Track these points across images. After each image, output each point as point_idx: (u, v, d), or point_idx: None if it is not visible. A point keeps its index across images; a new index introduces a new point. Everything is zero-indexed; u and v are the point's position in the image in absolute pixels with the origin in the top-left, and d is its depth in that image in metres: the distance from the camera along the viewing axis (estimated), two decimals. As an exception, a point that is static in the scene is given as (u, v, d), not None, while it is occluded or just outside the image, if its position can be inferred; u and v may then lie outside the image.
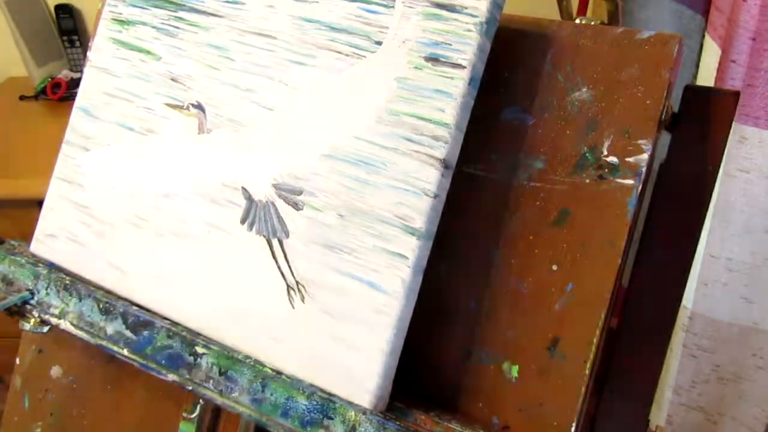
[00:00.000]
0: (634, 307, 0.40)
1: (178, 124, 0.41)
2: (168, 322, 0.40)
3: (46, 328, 0.44)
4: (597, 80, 0.37)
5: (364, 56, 0.37)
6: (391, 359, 0.35)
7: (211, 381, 0.37)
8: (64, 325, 0.42)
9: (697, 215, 0.38)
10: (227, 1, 0.41)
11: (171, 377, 0.38)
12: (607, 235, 0.36)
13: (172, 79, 0.42)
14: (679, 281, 0.39)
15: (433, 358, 0.39)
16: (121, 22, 0.44)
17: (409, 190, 0.35)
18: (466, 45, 0.35)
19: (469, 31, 0.35)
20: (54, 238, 0.45)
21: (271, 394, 0.36)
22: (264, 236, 0.38)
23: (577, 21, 0.38)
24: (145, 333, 0.40)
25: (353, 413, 0.34)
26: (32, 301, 0.43)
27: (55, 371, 0.50)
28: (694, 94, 0.38)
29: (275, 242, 0.38)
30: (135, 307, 0.41)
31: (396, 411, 0.36)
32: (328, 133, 0.37)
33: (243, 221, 0.39)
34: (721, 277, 0.76)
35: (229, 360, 0.37)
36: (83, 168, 0.44)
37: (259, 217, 0.38)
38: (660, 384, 0.84)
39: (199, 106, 0.41)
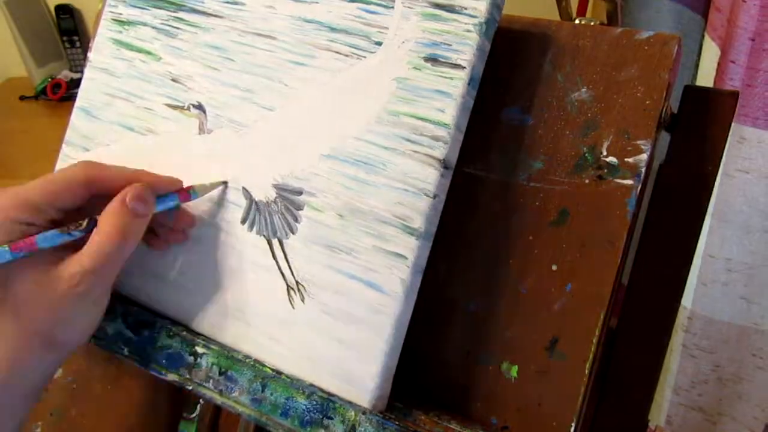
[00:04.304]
0: (634, 307, 0.40)
1: (179, 125, 0.42)
2: (168, 322, 0.40)
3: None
4: (596, 80, 0.37)
5: (364, 57, 0.37)
6: (391, 359, 0.35)
7: (211, 381, 0.38)
8: (64, 325, 0.42)
9: (697, 215, 0.38)
10: (227, 2, 0.41)
11: (171, 377, 0.39)
12: (606, 235, 0.36)
13: (173, 80, 0.42)
14: (678, 281, 0.39)
15: (433, 358, 0.39)
16: (122, 22, 0.44)
17: (409, 191, 0.35)
18: (466, 45, 0.35)
19: (469, 31, 0.35)
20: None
21: (271, 394, 0.36)
22: (264, 236, 0.38)
23: (577, 21, 0.39)
24: (145, 333, 0.40)
25: (353, 413, 0.35)
26: (32, 301, 0.43)
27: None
28: (693, 94, 0.38)
29: (275, 242, 0.38)
30: (135, 307, 0.41)
31: (395, 411, 0.36)
32: (328, 134, 0.37)
33: (243, 221, 0.39)
34: (720, 277, 0.76)
35: (229, 360, 0.38)
36: (83, 168, 0.44)
37: (259, 217, 0.38)
38: (660, 384, 0.84)
39: (199, 107, 0.41)
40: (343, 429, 0.34)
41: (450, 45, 0.35)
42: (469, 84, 0.35)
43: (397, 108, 0.36)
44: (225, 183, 0.39)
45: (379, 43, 0.37)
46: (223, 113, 0.40)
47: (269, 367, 0.37)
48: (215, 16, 0.41)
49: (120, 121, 0.43)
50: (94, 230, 0.35)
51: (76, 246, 0.35)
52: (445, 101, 0.35)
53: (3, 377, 0.35)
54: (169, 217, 0.39)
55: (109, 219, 0.35)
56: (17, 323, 0.34)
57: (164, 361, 0.39)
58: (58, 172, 0.36)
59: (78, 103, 0.45)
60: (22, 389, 0.36)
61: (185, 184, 0.39)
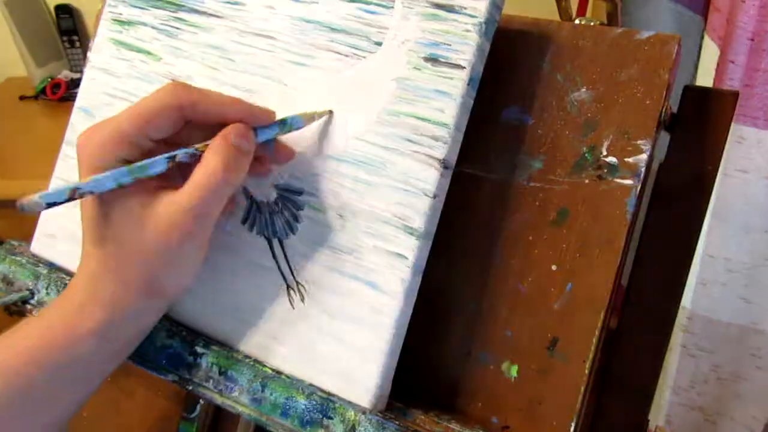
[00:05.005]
0: (634, 307, 0.40)
1: (178, 125, 0.41)
2: (168, 321, 0.40)
3: (46, 328, 0.44)
4: (596, 80, 0.37)
5: (364, 57, 0.37)
6: (391, 359, 0.35)
7: (211, 381, 0.38)
8: (64, 325, 0.42)
9: (697, 215, 0.38)
10: (227, 2, 0.41)
11: (171, 377, 0.39)
12: (606, 235, 0.36)
13: (173, 80, 0.42)
14: (678, 281, 0.39)
15: (433, 358, 0.39)
16: (122, 22, 0.44)
17: (409, 191, 0.35)
18: (466, 45, 0.35)
19: (468, 31, 0.35)
20: (54, 238, 0.45)
21: (271, 394, 0.36)
22: (264, 236, 0.38)
23: (576, 21, 0.39)
24: (145, 333, 0.40)
25: (353, 413, 0.35)
26: (32, 301, 0.43)
27: (55, 371, 0.50)
28: (693, 94, 0.38)
29: (276, 242, 0.38)
30: (135, 307, 0.41)
31: (395, 411, 0.36)
32: (328, 134, 0.37)
33: (243, 221, 0.39)
34: (720, 277, 0.76)
35: (229, 360, 0.38)
36: (83, 168, 0.44)
37: (259, 217, 0.38)
38: (659, 384, 0.84)
39: (199, 107, 0.41)
40: (342, 429, 0.34)
41: (450, 45, 0.35)
42: (468, 84, 0.35)
43: (397, 108, 0.36)
44: (330, 112, 0.37)
45: (379, 44, 0.37)
46: (223, 113, 0.40)
47: (269, 367, 0.37)
48: (215, 16, 0.41)
49: (120, 121, 0.43)
50: (197, 167, 0.33)
51: (176, 186, 0.34)
52: (444, 101, 0.35)
53: (101, 326, 0.34)
54: (269, 152, 0.37)
55: (212, 155, 0.33)
56: (119, 265, 0.34)
57: (164, 361, 0.39)
58: (147, 99, 0.33)
59: (78, 103, 0.45)
60: (117, 342, 0.35)
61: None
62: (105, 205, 0.33)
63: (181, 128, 0.34)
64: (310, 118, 0.37)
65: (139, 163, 0.32)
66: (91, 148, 0.33)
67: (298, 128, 0.36)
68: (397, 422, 0.34)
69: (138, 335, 0.37)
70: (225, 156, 0.33)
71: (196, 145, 0.33)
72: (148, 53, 0.43)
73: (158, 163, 0.32)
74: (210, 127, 0.34)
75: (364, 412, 0.35)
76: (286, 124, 0.36)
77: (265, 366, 0.37)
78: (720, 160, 0.38)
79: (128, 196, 0.33)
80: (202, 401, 0.45)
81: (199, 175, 0.33)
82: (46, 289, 0.43)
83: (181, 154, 0.33)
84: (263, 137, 0.35)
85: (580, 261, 0.36)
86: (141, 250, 0.33)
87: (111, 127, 0.33)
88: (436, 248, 0.36)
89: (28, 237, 0.47)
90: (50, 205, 0.30)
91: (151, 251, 0.33)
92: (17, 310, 0.44)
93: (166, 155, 0.33)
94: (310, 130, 0.37)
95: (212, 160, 0.33)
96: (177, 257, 0.34)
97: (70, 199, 0.31)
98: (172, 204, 0.33)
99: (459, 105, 0.35)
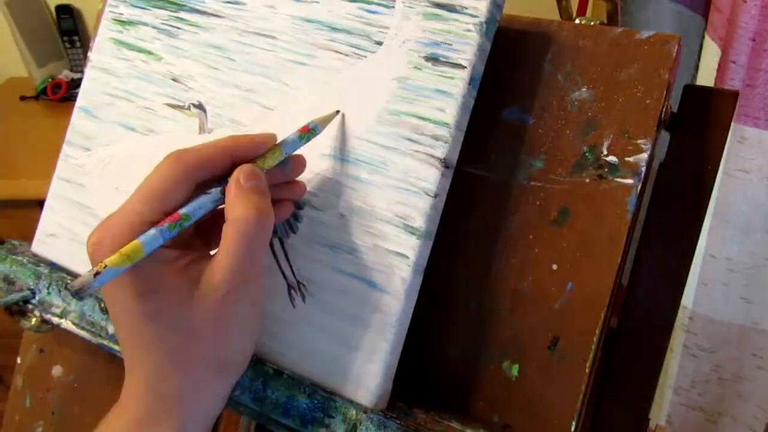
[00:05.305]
0: (634, 307, 0.40)
1: (179, 125, 0.42)
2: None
3: (47, 328, 0.44)
4: (597, 80, 0.37)
5: (365, 56, 0.37)
6: (392, 358, 0.35)
7: (212, 380, 0.38)
8: (66, 324, 0.42)
9: (697, 215, 0.38)
10: (228, 2, 0.41)
11: (172, 376, 0.38)
12: (606, 235, 0.36)
13: (173, 80, 0.42)
14: (679, 281, 0.39)
15: (434, 357, 0.39)
16: (122, 22, 0.44)
17: (410, 190, 0.35)
18: (466, 45, 0.35)
19: (469, 31, 0.35)
20: (55, 237, 0.45)
21: (272, 393, 0.36)
22: (265, 236, 0.38)
23: (577, 21, 0.39)
24: (146, 332, 0.40)
25: (354, 412, 0.35)
26: (33, 301, 0.43)
27: (57, 370, 0.50)
28: (693, 93, 0.38)
29: (276, 242, 0.38)
30: (136, 307, 0.41)
31: (396, 410, 0.36)
32: (329, 133, 0.37)
33: (244, 221, 0.39)
34: (721, 277, 0.76)
35: (230, 359, 0.38)
36: (84, 168, 0.44)
37: (259, 216, 0.38)
38: (660, 384, 0.84)
39: (199, 106, 0.41)
40: (344, 428, 0.34)
41: (451, 44, 0.35)
42: (469, 83, 0.35)
43: (397, 107, 0.36)
44: (338, 111, 0.37)
45: (380, 43, 0.37)
46: (224, 113, 0.40)
47: (270, 366, 0.37)
48: (216, 15, 0.41)
49: (121, 121, 0.44)
50: (224, 225, 0.31)
51: (201, 253, 0.32)
52: (445, 100, 0.35)
53: (177, 423, 0.31)
54: (284, 170, 0.35)
55: (234, 206, 0.30)
56: (178, 354, 0.31)
57: (165, 360, 0.39)
58: (152, 178, 0.31)
59: (79, 103, 0.45)
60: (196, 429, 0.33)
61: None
62: (145, 285, 0.30)
63: (194, 191, 0.32)
64: (324, 121, 0.36)
65: (182, 211, 0.30)
66: (108, 244, 0.30)
67: (316, 135, 0.35)
68: (398, 421, 0.34)
69: (212, 420, 0.34)
70: (246, 200, 0.30)
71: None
72: (149, 53, 0.43)
73: (205, 205, 0.31)
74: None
75: (365, 411, 0.35)
76: (310, 132, 0.35)
77: (266, 365, 0.37)
78: (720, 160, 0.38)
79: (168, 274, 0.31)
80: (202, 401, 0.45)
81: (230, 230, 0.30)
82: (47, 288, 0.43)
83: (215, 189, 0.32)
84: (290, 150, 0.34)
85: (581, 260, 0.36)
86: (195, 328, 0.31)
87: (123, 217, 0.31)
88: (437, 247, 0.36)
89: (28, 237, 0.47)
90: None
91: (207, 326, 0.31)
92: (18, 310, 0.44)
93: (208, 198, 0.31)
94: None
95: (236, 210, 0.30)
96: (234, 324, 0.32)
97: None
98: (214, 270, 0.30)
99: (460, 104, 0.35)
